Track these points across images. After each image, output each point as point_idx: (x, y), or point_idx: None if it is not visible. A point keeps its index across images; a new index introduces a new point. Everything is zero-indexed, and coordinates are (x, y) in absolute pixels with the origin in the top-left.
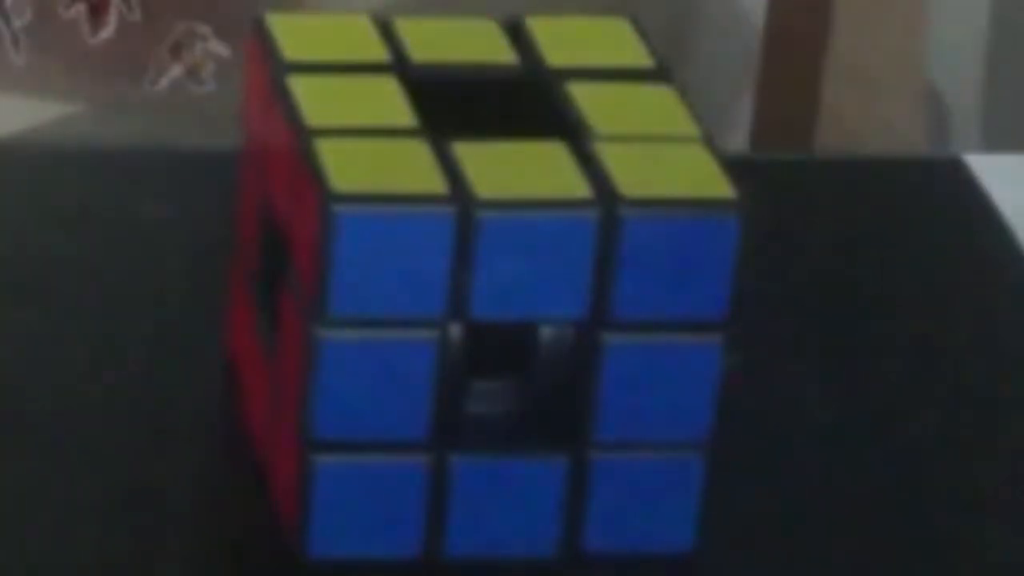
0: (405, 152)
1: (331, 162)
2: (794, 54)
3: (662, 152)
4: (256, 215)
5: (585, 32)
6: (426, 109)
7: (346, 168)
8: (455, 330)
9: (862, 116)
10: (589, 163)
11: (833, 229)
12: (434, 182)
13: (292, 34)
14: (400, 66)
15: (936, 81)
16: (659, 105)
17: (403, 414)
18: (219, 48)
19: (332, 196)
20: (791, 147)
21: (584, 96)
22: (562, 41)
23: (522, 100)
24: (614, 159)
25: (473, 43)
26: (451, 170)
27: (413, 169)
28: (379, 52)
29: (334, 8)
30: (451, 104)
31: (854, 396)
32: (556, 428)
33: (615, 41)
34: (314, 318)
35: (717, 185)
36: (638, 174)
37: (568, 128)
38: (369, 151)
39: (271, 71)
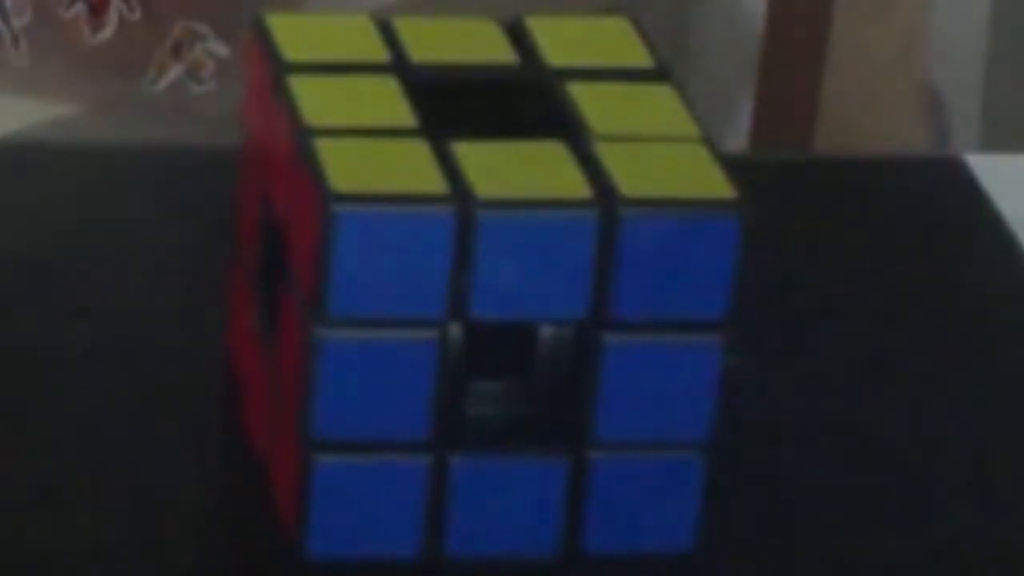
0: (405, 152)
1: (331, 162)
2: (794, 54)
3: (662, 152)
4: (256, 215)
5: (585, 32)
6: (426, 109)
7: (346, 168)
8: (455, 330)
9: (862, 116)
10: (589, 163)
11: (833, 229)
12: (434, 182)
13: (292, 34)
14: (400, 66)
15: (936, 81)
16: (659, 105)
17: (403, 414)
18: (219, 48)
19: (332, 196)
20: (791, 147)
21: (584, 96)
22: (562, 41)
23: (522, 100)
24: (614, 159)
25: (473, 43)
26: (451, 170)
27: (413, 169)
28: (379, 52)
29: (334, 8)
30: (451, 104)
31: (854, 395)
32: (556, 428)
33: (615, 41)
34: (314, 318)
35: (717, 185)
36: (638, 174)
37: (568, 128)
38: (369, 151)
39: (271, 71)
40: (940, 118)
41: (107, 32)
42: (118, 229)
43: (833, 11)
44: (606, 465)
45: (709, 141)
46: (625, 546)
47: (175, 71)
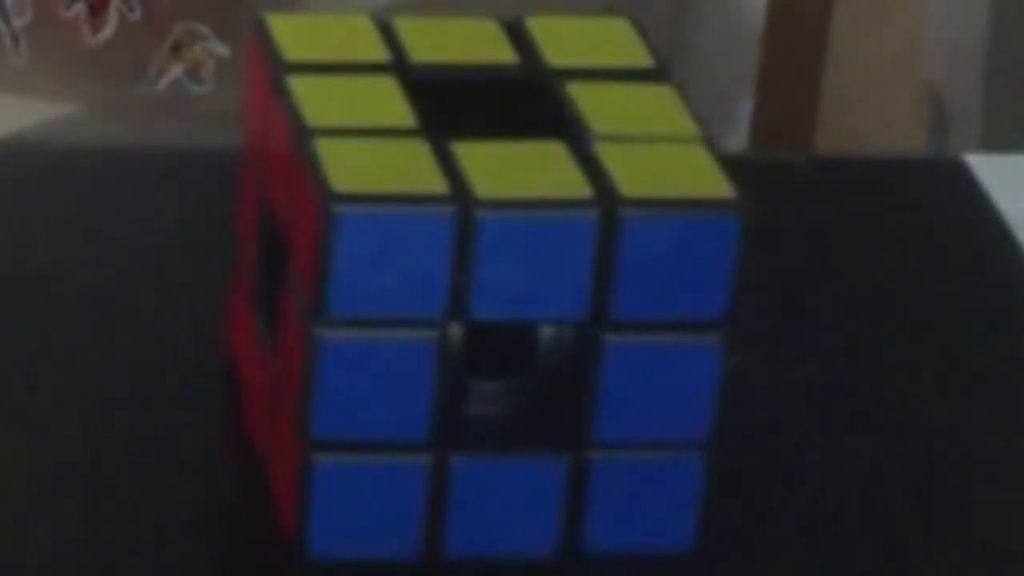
0: (405, 152)
1: (331, 162)
2: (794, 54)
3: (662, 152)
4: (256, 215)
5: (585, 32)
6: (426, 109)
7: (346, 168)
8: (455, 330)
9: (862, 116)
10: (589, 163)
11: (833, 229)
12: (434, 182)
13: (292, 34)
14: (400, 66)
15: (936, 81)
16: (659, 105)
17: (403, 414)
18: (219, 48)
19: (332, 196)
20: (791, 147)
21: (584, 96)
22: (562, 41)
23: (522, 100)
24: (614, 159)
25: (473, 43)
26: (451, 170)
27: (413, 169)
28: (379, 52)
29: (334, 8)
30: (451, 104)
31: (854, 395)
32: (556, 428)
33: (615, 41)
34: (314, 318)
35: (717, 185)
36: (638, 174)
37: (568, 128)
38: (369, 151)
39: (271, 71)
40: (940, 118)
41: (107, 32)
42: (118, 229)
43: (833, 11)
44: (606, 465)
45: (709, 141)
46: (625, 546)
47: (175, 71)
